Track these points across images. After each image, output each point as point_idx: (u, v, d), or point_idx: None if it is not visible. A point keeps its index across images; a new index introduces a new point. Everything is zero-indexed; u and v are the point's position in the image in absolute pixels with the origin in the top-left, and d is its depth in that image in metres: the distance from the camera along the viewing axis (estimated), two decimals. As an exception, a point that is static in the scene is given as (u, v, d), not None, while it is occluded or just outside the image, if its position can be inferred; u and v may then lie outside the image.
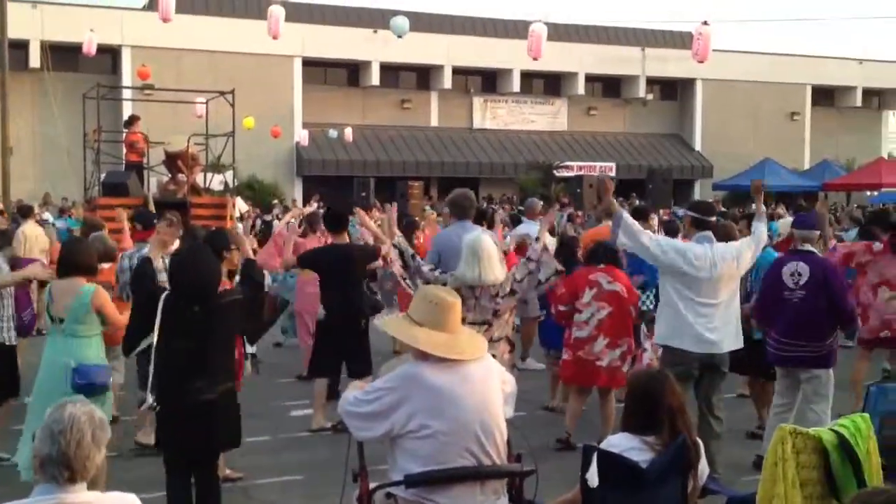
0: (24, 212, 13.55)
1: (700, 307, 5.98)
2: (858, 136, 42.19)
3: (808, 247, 6.62)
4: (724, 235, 6.71)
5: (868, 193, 32.84)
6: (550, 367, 8.62)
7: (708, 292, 5.99)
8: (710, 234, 6.25)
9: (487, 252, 5.36)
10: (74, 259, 5.92)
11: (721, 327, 6.02)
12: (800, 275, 6.41)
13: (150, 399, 4.99)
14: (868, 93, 43.13)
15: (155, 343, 4.95)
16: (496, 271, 5.40)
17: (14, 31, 19.40)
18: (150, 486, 5.02)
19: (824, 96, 42.92)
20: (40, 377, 5.88)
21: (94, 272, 6.06)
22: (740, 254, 6.12)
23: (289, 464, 6.64)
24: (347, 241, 8.17)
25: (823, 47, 75.24)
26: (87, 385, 5.58)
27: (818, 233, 6.93)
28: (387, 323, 4.04)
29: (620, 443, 3.75)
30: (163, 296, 5.08)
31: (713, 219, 6.57)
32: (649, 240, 6.05)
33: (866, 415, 3.94)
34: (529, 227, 10.76)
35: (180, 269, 5.04)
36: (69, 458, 2.63)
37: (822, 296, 6.37)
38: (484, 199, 32.21)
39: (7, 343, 6.64)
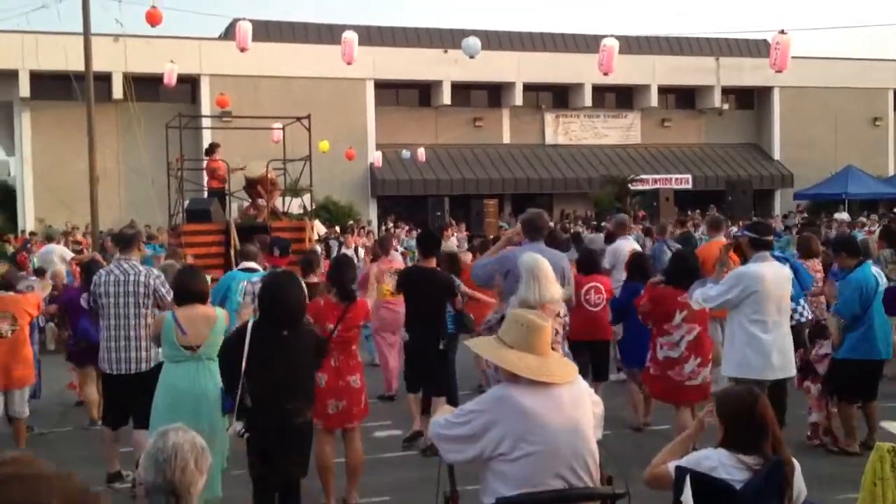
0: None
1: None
2: (946, 140, 40.89)
3: None
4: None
5: (958, 198, 31.76)
6: (633, 384, 8.52)
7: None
8: (767, 254, 6.50)
9: (544, 271, 5.41)
10: (192, 287, 6.13)
11: None
12: None
13: (238, 426, 5.06)
14: (954, 94, 41.78)
15: (244, 369, 5.05)
16: (554, 290, 5.43)
17: (98, 64, 20.08)
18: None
19: (908, 100, 41.70)
20: (170, 406, 5.84)
21: (206, 298, 6.28)
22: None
23: (376, 486, 6.69)
24: (434, 264, 8.07)
25: (905, 49, 73.03)
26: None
27: None
28: (478, 344, 4.06)
29: (720, 458, 3.67)
30: (251, 322, 5.19)
31: (771, 238, 6.82)
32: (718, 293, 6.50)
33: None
34: (627, 243, 10.60)
35: (272, 293, 5.14)
36: (175, 485, 2.72)
37: None
38: (565, 216, 32.11)
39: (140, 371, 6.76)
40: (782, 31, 17.30)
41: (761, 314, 6.35)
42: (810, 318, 8.54)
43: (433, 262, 8.00)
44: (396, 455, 7.66)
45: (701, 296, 6.65)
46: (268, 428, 5.01)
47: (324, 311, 6.27)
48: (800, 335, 8.48)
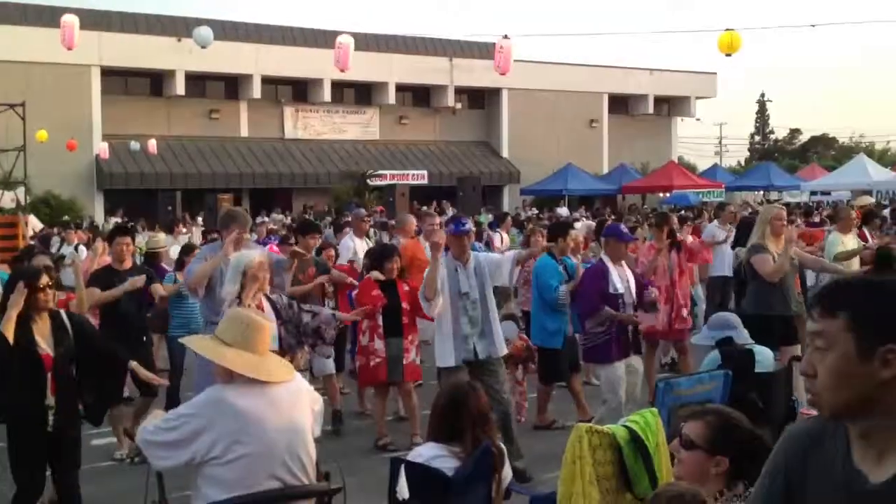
0: None
1: None
2: (651, 142, 44.83)
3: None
4: None
5: (661, 195, 34.93)
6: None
7: None
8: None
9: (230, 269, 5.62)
10: None
11: None
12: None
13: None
14: (659, 101, 45.96)
15: None
16: (228, 287, 5.62)
17: None
18: None
19: (620, 104, 45.32)
20: None
21: None
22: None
23: (88, 498, 6.29)
24: None
25: (618, 58, 79.50)
26: None
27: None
28: (194, 342, 3.96)
29: (427, 452, 3.82)
30: None
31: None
32: None
33: (655, 409, 4.16)
34: (353, 242, 10.64)
35: None
36: None
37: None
38: (305, 210, 31.92)
39: None
40: (506, 37, 18.20)
41: None
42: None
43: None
44: (109, 465, 7.30)
45: None
46: None
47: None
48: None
